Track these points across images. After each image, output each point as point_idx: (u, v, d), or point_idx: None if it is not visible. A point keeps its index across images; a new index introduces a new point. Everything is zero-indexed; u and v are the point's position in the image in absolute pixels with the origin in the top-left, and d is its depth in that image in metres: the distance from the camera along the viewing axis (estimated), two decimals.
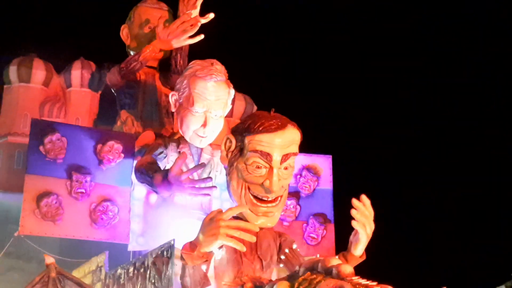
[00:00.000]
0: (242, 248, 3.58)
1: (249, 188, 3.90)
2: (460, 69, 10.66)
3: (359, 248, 4.00)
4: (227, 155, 3.96)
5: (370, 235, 3.98)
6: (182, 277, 3.74)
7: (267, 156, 3.84)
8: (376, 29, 10.61)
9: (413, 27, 10.67)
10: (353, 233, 4.02)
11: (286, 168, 3.93)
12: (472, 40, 10.58)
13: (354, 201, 3.89)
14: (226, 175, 4.08)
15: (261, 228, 3.96)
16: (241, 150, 3.90)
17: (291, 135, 3.90)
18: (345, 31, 10.47)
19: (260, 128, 3.83)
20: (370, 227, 3.95)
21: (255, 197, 3.90)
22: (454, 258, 9.79)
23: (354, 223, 3.91)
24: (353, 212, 3.89)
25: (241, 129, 3.91)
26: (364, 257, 4.06)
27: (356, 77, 10.44)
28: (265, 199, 3.90)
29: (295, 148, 3.96)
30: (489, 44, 10.59)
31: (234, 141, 3.92)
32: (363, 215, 3.90)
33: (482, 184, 10.07)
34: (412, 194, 10.03)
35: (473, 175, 10.16)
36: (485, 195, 10.08)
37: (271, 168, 3.86)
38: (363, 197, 3.92)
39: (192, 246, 3.65)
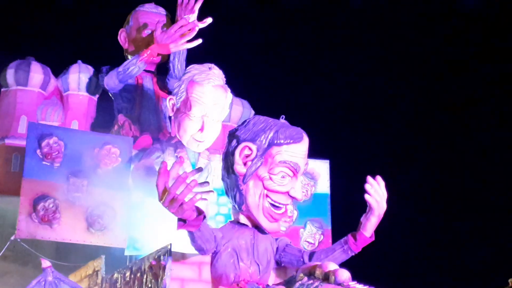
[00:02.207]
0: (212, 195, 3.70)
1: (267, 196, 3.93)
2: (459, 73, 10.68)
3: (369, 227, 4.00)
4: (245, 163, 3.93)
5: (382, 215, 4.00)
6: (194, 242, 3.76)
7: (296, 166, 3.89)
8: (373, 33, 10.63)
9: (411, 31, 10.69)
10: (364, 214, 4.02)
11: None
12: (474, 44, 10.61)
13: (369, 178, 3.93)
14: (237, 181, 4.00)
15: (258, 232, 3.97)
16: (262, 158, 3.89)
17: (307, 144, 3.98)
18: (342, 36, 10.49)
19: (288, 140, 3.87)
20: (382, 206, 3.97)
21: (272, 204, 3.93)
22: (451, 264, 9.80)
23: (367, 197, 3.93)
24: (367, 187, 3.91)
25: (264, 138, 3.89)
26: (373, 238, 4.06)
27: (353, 81, 10.46)
28: (281, 206, 3.95)
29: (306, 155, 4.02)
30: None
31: (255, 150, 3.90)
32: (376, 192, 3.93)
33: (481, 191, 10.08)
34: (410, 199, 10.04)
35: (472, 179, 10.17)
36: (484, 201, 10.09)
37: (295, 177, 3.91)
38: (378, 177, 3.97)
39: (181, 220, 3.64)
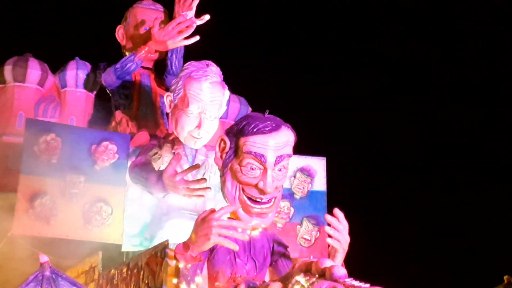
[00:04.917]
0: (235, 247, 3.60)
1: (243, 189, 3.92)
2: (457, 71, 10.70)
3: (337, 263, 3.98)
4: (221, 156, 3.98)
5: (346, 248, 3.96)
6: (176, 277, 3.75)
7: (261, 157, 3.85)
8: (370, 31, 10.64)
9: (410, 29, 10.70)
10: (330, 248, 3.98)
11: (280, 170, 3.94)
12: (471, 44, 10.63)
13: (327, 216, 3.88)
14: (220, 176, 4.09)
15: (254, 229, 3.97)
16: (235, 151, 3.91)
17: (285, 137, 3.91)
18: (340, 33, 10.49)
19: (255, 130, 3.84)
20: (345, 241, 3.93)
21: (249, 198, 3.92)
22: (448, 261, 9.81)
23: (328, 240, 3.88)
24: (326, 229, 3.87)
25: (235, 131, 3.92)
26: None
27: (350, 79, 10.47)
28: (259, 200, 3.92)
29: (289, 150, 3.97)
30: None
31: (228, 142, 3.93)
32: (337, 229, 3.88)
33: (476, 185, 10.10)
34: (406, 196, 10.05)
35: (467, 176, 10.19)
36: (483, 198, 10.11)
37: (265, 169, 3.87)
38: (336, 210, 3.91)
39: (185, 246, 3.66)
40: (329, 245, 3.96)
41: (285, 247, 4.16)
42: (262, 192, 3.88)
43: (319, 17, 10.68)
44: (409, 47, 10.66)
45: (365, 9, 10.69)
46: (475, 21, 10.48)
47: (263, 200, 3.92)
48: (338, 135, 9.73)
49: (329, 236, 3.87)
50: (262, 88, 9.19)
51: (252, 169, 3.88)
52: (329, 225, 3.89)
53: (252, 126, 3.85)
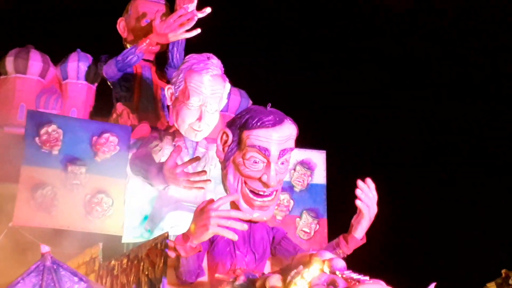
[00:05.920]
0: (234, 236, 3.60)
1: (245, 182, 3.94)
2: (455, 68, 10.70)
3: (360, 230, 4.08)
4: (223, 149, 3.99)
5: (373, 218, 4.06)
6: (177, 268, 3.78)
7: (265, 151, 3.87)
8: (370, 28, 10.64)
9: (409, 27, 10.70)
10: (355, 215, 4.08)
11: (282, 163, 3.96)
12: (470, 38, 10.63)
13: (359, 182, 3.98)
14: (221, 169, 4.11)
15: (254, 222, 4.00)
16: (237, 144, 3.93)
17: (289, 130, 3.94)
18: (340, 27, 10.50)
19: (258, 123, 3.86)
20: (373, 209, 4.04)
21: (252, 191, 3.94)
22: (446, 254, 9.84)
23: (358, 203, 3.99)
24: (357, 192, 3.98)
25: (238, 124, 3.93)
26: (364, 240, 4.13)
27: (350, 72, 10.47)
28: (261, 193, 3.94)
29: (292, 143, 4.00)
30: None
31: (230, 135, 3.94)
32: (367, 197, 3.98)
33: (474, 180, 10.12)
34: (405, 190, 10.07)
35: (465, 171, 10.21)
36: (478, 191, 10.13)
37: (268, 163, 3.89)
38: (369, 180, 4.00)
39: (185, 237, 3.68)
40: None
41: (285, 235, 4.19)
42: (265, 185, 3.91)
43: (321, 14, 10.68)
44: (408, 44, 10.67)
45: (365, 7, 10.69)
46: (474, 18, 10.49)
47: (266, 193, 3.95)
48: (338, 129, 9.74)
49: (359, 199, 3.97)
50: (263, 81, 9.20)
51: (256, 162, 3.89)
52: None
53: (256, 119, 3.87)
